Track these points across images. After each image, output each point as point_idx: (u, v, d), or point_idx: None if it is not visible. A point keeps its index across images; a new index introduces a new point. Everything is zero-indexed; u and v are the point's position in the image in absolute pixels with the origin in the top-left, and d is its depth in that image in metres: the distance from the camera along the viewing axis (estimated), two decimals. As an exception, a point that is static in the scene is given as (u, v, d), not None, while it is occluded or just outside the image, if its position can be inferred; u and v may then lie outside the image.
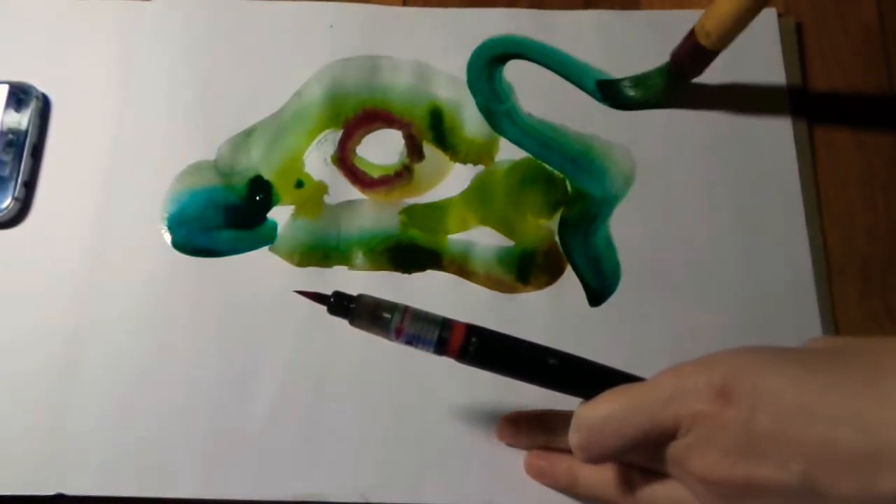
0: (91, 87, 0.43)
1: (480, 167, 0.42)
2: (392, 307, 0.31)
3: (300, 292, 0.32)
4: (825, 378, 0.24)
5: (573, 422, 0.29)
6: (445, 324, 0.30)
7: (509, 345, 0.31)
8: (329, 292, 0.31)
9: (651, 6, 0.45)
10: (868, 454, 0.23)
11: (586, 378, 0.30)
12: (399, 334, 0.31)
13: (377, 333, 0.31)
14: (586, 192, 0.42)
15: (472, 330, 0.30)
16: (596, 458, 0.29)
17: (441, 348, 0.31)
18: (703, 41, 0.38)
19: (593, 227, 0.41)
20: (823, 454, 0.24)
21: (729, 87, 0.43)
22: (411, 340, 0.31)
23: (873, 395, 0.23)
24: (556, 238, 0.41)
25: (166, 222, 0.41)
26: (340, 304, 0.31)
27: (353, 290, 0.40)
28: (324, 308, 0.31)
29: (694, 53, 0.39)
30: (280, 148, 0.42)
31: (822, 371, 0.25)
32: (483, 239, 0.41)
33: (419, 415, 0.38)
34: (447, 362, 0.31)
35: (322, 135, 0.43)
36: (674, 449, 0.27)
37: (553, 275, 0.40)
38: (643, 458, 0.29)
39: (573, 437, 0.29)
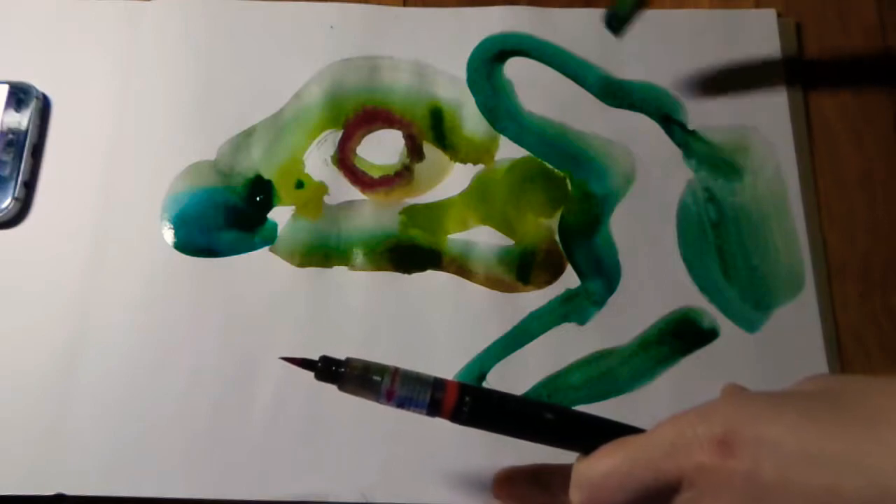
0: (91, 87, 0.43)
1: (481, 166, 0.42)
2: (382, 369, 0.29)
3: (286, 359, 0.30)
4: (826, 424, 0.24)
5: (573, 479, 0.28)
6: (437, 383, 0.29)
7: (504, 402, 0.30)
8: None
9: (651, 6, 0.45)
10: (874, 501, 0.23)
11: (584, 432, 0.29)
12: (390, 397, 0.29)
13: (366, 397, 0.30)
14: (587, 191, 0.42)
15: (464, 389, 0.30)
16: None
17: (434, 409, 0.29)
18: None
19: (594, 226, 0.41)
20: (830, 503, 0.23)
21: (729, 88, 0.43)
22: (403, 403, 0.29)
23: (875, 441, 0.23)
24: (557, 237, 0.41)
25: (166, 222, 0.41)
26: (328, 369, 0.29)
27: (353, 290, 0.40)
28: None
29: None
30: (280, 148, 0.42)
31: (823, 417, 0.25)
32: (483, 238, 0.41)
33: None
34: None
35: (322, 135, 0.43)
36: None
37: (553, 274, 0.40)
38: None
39: (574, 496, 0.28)
